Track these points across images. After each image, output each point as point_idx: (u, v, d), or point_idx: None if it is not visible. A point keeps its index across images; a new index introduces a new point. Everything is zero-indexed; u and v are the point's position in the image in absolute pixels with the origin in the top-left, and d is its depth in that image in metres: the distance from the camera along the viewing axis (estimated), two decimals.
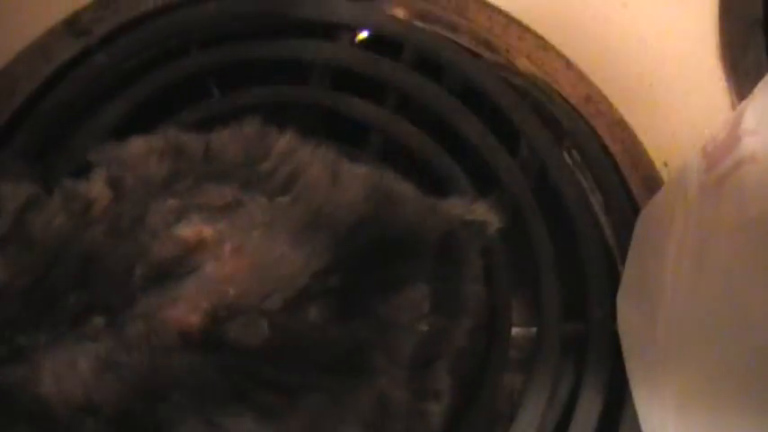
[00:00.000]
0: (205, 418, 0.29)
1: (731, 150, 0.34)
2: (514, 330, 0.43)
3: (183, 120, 0.43)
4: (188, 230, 0.31)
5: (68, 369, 0.28)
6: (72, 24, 0.44)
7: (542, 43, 0.49)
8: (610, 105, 0.48)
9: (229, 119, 0.38)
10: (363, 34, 0.49)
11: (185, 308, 0.29)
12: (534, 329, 0.43)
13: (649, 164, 0.48)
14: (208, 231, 0.31)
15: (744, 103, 0.33)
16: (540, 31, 0.49)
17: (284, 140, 0.35)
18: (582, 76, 0.49)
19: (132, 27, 0.45)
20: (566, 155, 0.47)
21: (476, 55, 0.48)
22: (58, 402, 0.28)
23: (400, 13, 0.49)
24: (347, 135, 0.45)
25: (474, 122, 0.45)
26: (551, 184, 0.46)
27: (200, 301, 0.30)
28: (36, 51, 0.44)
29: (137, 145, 0.34)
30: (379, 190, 0.34)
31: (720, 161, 0.34)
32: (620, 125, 0.48)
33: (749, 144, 0.32)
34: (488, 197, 0.41)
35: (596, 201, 0.47)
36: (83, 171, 0.34)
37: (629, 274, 0.44)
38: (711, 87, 0.49)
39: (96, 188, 0.32)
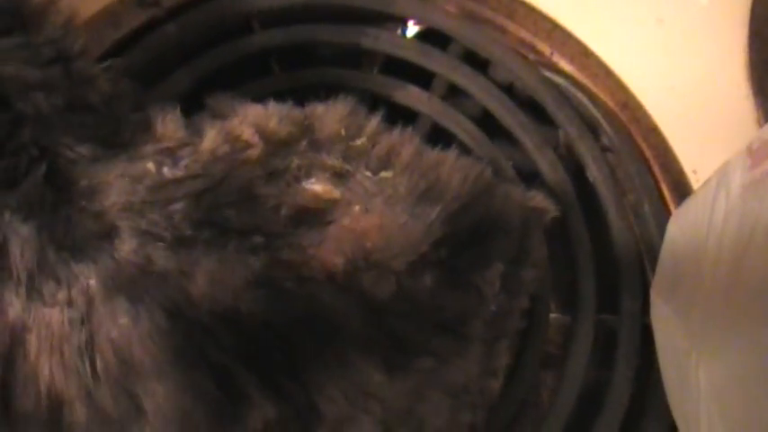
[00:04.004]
0: (340, 353, 0.30)
1: None
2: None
3: (245, 94, 0.44)
4: (319, 187, 0.33)
5: (225, 274, 0.29)
6: None
7: (584, 49, 0.51)
8: (645, 113, 0.51)
9: (288, 96, 0.40)
10: (415, 28, 0.52)
11: (332, 249, 0.31)
12: (567, 317, 0.45)
13: (679, 170, 0.50)
14: (336, 191, 0.33)
15: None
16: (583, 39, 0.52)
17: (375, 121, 0.37)
18: (620, 84, 0.51)
19: (198, 2, 0.47)
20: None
21: (521, 55, 0.51)
22: (205, 304, 0.29)
23: (452, 10, 0.51)
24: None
25: (520, 116, 0.47)
26: (588, 181, 0.48)
27: (344, 246, 0.31)
28: (105, 18, 0.46)
29: (255, 105, 0.36)
30: (482, 179, 0.37)
31: (766, 158, 0.36)
32: (654, 132, 0.50)
33: None
34: (532, 188, 0.43)
35: (628, 200, 0.49)
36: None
37: (662, 270, 0.45)
38: (739, 104, 0.52)
39: (247, 133, 0.33)
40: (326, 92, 0.40)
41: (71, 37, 0.31)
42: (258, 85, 0.46)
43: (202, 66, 0.45)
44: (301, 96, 0.40)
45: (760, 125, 0.51)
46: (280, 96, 0.43)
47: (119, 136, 0.31)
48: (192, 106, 0.39)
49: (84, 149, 0.29)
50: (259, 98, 0.44)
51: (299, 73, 0.47)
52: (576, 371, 0.43)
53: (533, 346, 0.44)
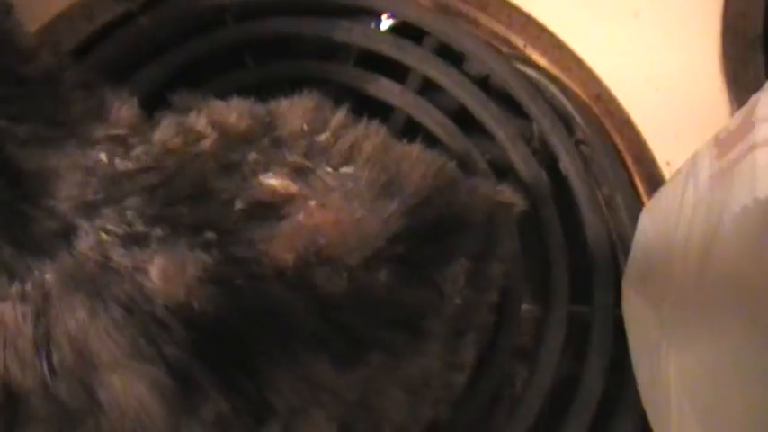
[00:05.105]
0: (289, 349, 0.30)
1: (744, 136, 0.36)
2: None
3: (218, 87, 0.44)
4: (276, 182, 0.33)
5: (177, 270, 0.29)
6: None
7: (558, 42, 0.51)
8: (618, 106, 0.51)
9: (262, 89, 0.40)
10: (388, 22, 0.52)
11: (283, 245, 0.31)
12: (540, 309, 0.45)
13: (653, 162, 0.50)
14: (294, 186, 0.33)
15: (757, 94, 0.36)
16: (557, 32, 0.52)
17: (340, 115, 0.37)
18: (594, 77, 0.51)
19: None
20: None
21: (494, 48, 0.51)
22: (159, 299, 0.29)
23: (425, 3, 0.51)
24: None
25: (493, 110, 0.47)
26: (562, 174, 0.49)
27: (295, 242, 0.31)
28: (79, 11, 0.46)
29: (217, 102, 0.36)
30: (444, 173, 0.37)
31: (733, 147, 0.37)
32: (628, 125, 0.51)
33: (763, 129, 0.34)
34: (505, 181, 0.43)
35: (601, 193, 0.50)
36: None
37: (634, 262, 0.46)
38: (713, 97, 0.52)
39: (201, 124, 0.33)
40: (299, 85, 0.40)
41: None
42: (231, 79, 0.46)
43: (175, 59, 0.45)
44: (275, 90, 0.40)
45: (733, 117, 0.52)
46: (253, 90, 0.43)
47: (64, 114, 0.30)
48: (164, 100, 0.39)
49: (22, 130, 0.28)
50: (232, 92, 0.44)
51: (272, 66, 0.47)
52: (549, 362, 0.43)
53: (505, 338, 0.44)
